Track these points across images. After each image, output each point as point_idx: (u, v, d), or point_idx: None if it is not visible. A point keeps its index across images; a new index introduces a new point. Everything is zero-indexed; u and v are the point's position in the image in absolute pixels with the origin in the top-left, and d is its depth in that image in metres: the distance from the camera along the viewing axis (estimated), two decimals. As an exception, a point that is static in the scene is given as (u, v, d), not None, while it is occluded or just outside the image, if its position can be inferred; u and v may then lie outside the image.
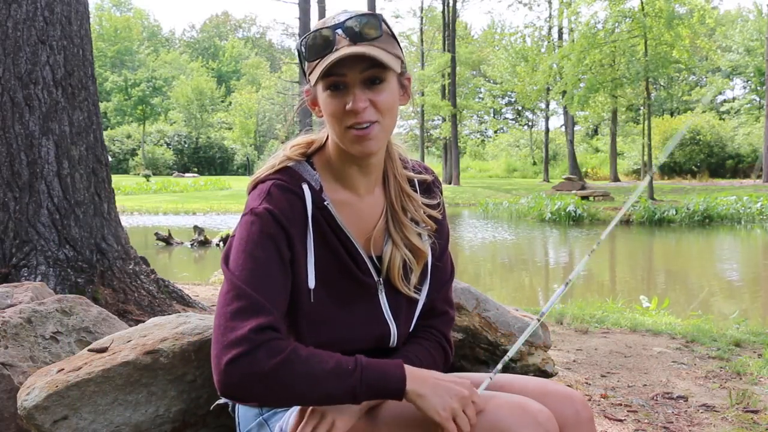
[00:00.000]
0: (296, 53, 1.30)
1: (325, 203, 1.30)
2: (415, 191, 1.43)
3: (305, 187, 1.29)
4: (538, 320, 1.41)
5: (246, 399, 1.19)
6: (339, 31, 1.23)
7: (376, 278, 1.36)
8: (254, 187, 1.32)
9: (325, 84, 1.25)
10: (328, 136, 1.36)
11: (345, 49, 1.21)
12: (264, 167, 1.35)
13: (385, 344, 1.37)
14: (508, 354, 1.33)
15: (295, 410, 1.30)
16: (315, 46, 1.24)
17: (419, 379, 1.19)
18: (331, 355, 1.19)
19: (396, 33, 1.29)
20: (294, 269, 1.26)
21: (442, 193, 1.49)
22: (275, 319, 1.18)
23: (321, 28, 1.24)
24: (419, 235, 1.39)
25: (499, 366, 1.32)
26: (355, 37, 1.22)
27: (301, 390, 1.15)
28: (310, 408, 1.20)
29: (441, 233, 1.45)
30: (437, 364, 1.41)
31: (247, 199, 1.32)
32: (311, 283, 1.28)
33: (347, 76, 1.22)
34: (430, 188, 1.47)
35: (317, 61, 1.24)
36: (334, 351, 1.26)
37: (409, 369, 1.19)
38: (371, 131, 1.25)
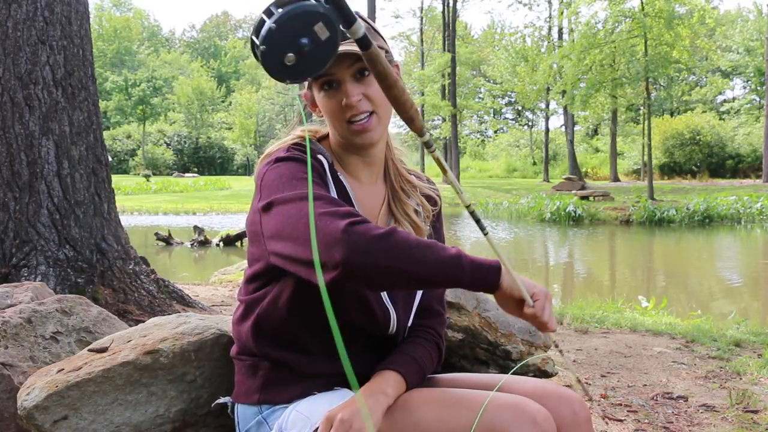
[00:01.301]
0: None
1: (338, 174, 1.37)
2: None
3: (320, 156, 1.36)
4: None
5: (367, 264, 1.11)
6: None
7: None
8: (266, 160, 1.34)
9: (318, 85, 1.32)
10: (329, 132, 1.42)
11: None
12: (274, 145, 1.37)
13: (385, 329, 1.37)
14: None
15: (294, 407, 1.30)
16: None
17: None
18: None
19: (376, 26, 1.36)
20: None
21: (440, 200, 1.54)
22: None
23: None
24: (416, 212, 1.45)
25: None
26: None
27: (416, 254, 1.12)
28: (339, 417, 1.18)
29: (438, 224, 1.51)
30: (433, 362, 1.42)
31: (258, 170, 1.32)
32: None
33: (336, 73, 1.29)
34: (429, 186, 1.54)
35: None
36: (338, 317, 1.28)
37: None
38: (370, 123, 1.32)
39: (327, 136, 1.43)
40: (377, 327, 1.37)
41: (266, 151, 1.38)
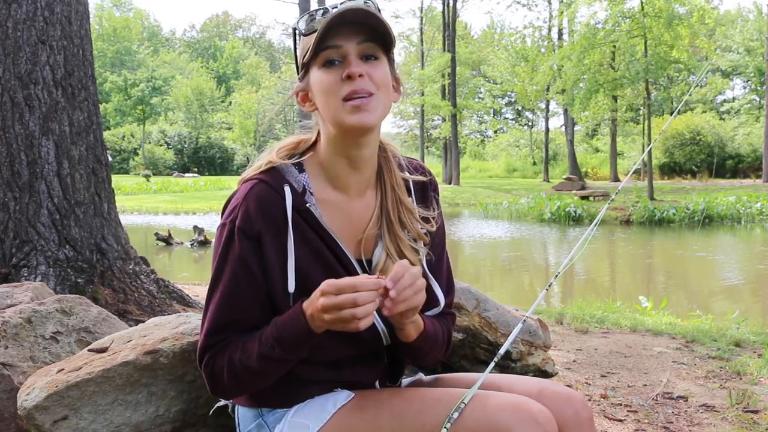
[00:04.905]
0: (291, 38, 1.31)
1: (307, 205, 1.29)
2: (411, 195, 1.40)
3: (287, 188, 1.28)
4: (524, 320, 1.43)
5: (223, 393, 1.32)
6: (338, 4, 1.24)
7: None
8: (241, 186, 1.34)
9: (319, 61, 1.25)
10: (319, 133, 1.35)
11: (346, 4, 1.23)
12: (251, 167, 1.35)
13: (381, 345, 1.35)
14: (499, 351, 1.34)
15: (294, 412, 1.30)
16: (313, 18, 1.26)
17: (310, 312, 1.17)
18: (253, 344, 1.23)
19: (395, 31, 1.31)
20: (270, 274, 1.26)
21: (438, 195, 1.46)
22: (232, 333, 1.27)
23: (320, 8, 1.27)
24: (415, 250, 1.36)
25: (491, 365, 1.32)
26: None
27: (253, 375, 1.24)
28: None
29: (434, 243, 1.41)
30: (440, 333, 1.39)
31: (233, 194, 1.33)
32: (291, 288, 1.26)
33: (343, 47, 1.23)
34: (425, 189, 1.43)
35: (314, 35, 1.24)
36: (329, 354, 1.28)
37: (305, 306, 1.18)
38: (369, 102, 1.23)
39: (314, 144, 1.36)
40: (373, 345, 1.35)
41: (243, 174, 1.35)
